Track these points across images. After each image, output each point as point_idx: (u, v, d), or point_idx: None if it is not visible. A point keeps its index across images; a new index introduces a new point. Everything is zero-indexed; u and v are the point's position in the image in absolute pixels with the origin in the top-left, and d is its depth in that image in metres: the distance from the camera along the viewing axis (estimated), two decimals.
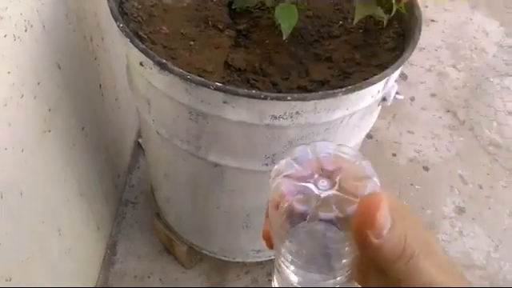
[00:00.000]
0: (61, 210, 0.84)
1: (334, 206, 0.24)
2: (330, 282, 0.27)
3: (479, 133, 1.57)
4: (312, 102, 0.60)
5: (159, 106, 0.71)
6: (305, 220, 0.24)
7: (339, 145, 0.26)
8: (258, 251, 1.02)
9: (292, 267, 0.26)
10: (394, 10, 0.70)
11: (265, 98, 0.58)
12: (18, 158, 0.66)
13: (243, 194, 0.82)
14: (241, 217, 0.88)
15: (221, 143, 0.70)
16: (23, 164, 0.67)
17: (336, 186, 0.24)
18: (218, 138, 0.69)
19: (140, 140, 1.33)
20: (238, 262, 1.11)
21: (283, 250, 0.26)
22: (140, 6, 0.75)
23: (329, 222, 0.24)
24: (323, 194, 0.24)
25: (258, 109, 0.61)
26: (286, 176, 0.25)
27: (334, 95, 0.59)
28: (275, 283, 0.30)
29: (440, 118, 1.61)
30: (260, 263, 1.15)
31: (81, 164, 0.91)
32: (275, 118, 0.62)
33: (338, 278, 0.27)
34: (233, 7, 0.79)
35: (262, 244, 0.97)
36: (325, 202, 0.24)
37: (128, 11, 0.73)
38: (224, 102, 0.61)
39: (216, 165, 0.74)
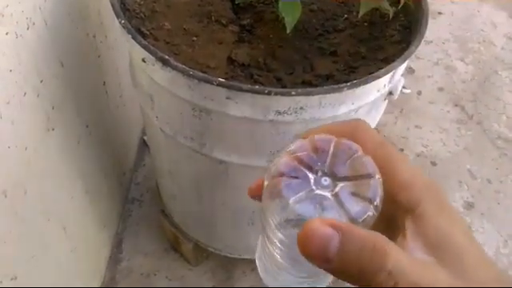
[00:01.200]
0: (66, 208, 0.84)
1: (317, 206, 0.23)
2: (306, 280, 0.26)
3: (488, 127, 1.54)
4: (317, 97, 0.59)
5: (162, 102, 0.71)
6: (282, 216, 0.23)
7: (364, 155, 0.24)
8: None
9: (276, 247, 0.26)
10: (402, 2, 0.69)
11: (269, 94, 0.57)
12: (22, 157, 0.65)
13: None
14: (246, 214, 0.88)
15: (225, 140, 0.69)
16: (27, 162, 0.67)
17: (335, 191, 0.23)
18: (222, 135, 0.69)
19: (145, 137, 1.33)
20: (244, 259, 1.11)
21: (271, 228, 0.25)
22: (142, 2, 0.74)
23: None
24: (317, 191, 0.23)
25: (262, 104, 0.60)
26: (292, 155, 0.24)
27: (339, 90, 0.58)
28: (258, 246, 0.29)
29: (448, 112, 1.59)
30: None
31: (85, 162, 0.91)
32: (279, 113, 0.61)
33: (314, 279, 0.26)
34: (236, 2, 0.78)
35: None
36: (314, 199, 0.23)
37: (130, 7, 0.73)
38: (227, 98, 0.60)
39: (220, 161, 0.73)
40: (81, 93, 0.85)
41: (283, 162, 0.24)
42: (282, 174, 0.24)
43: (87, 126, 0.89)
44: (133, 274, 1.13)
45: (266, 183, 0.25)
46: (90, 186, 0.94)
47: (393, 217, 0.24)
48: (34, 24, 0.66)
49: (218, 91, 0.59)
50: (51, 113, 0.73)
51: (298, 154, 0.24)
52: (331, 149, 0.24)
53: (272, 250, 0.26)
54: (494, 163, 1.44)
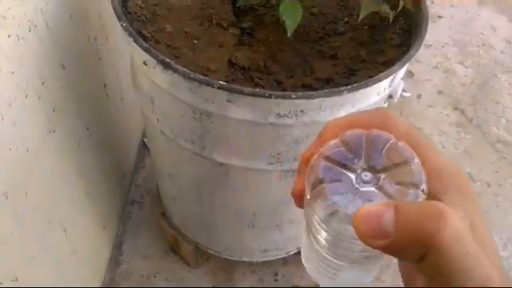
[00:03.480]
0: (66, 209, 0.84)
1: (367, 202, 0.22)
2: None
3: (487, 130, 1.55)
4: (317, 100, 0.59)
5: (163, 105, 0.71)
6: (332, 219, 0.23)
7: (397, 141, 0.24)
8: (265, 251, 1.01)
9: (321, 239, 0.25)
10: (401, 5, 0.69)
11: (269, 97, 0.58)
12: (23, 158, 0.66)
13: (248, 193, 0.81)
14: (246, 216, 0.88)
15: (225, 142, 0.70)
16: (28, 164, 0.67)
17: (379, 183, 0.23)
18: (223, 138, 0.69)
19: (145, 140, 1.33)
20: (244, 262, 1.11)
21: (315, 222, 0.25)
22: (143, 5, 0.75)
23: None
24: (362, 188, 0.23)
25: (263, 107, 0.60)
26: (327, 157, 0.24)
27: (339, 93, 0.58)
28: (303, 238, 0.28)
29: (447, 115, 1.59)
30: (266, 262, 1.15)
31: (86, 164, 0.91)
32: (280, 116, 0.61)
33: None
34: (237, 5, 0.79)
35: (268, 243, 0.97)
36: (362, 197, 0.22)
37: (131, 10, 0.73)
38: (228, 101, 0.60)
39: (221, 164, 0.73)
40: (82, 95, 0.85)
41: (321, 167, 0.24)
42: (322, 181, 0.23)
43: (88, 128, 0.89)
44: (133, 276, 1.13)
45: (307, 193, 0.24)
46: (90, 187, 0.94)
47: None
48: (35, 26, 0.66)
49: (218, 94, 0.60)
50: (52, 115, 0.73)
51: (333, 155, 0.24)
52: (363, 143, 0.24)
53: (321, 251, 0.26)
54: (493, 166, 1.45)
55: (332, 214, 0.23)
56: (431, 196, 0.23)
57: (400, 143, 0.24)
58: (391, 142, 0.24)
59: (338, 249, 0.25)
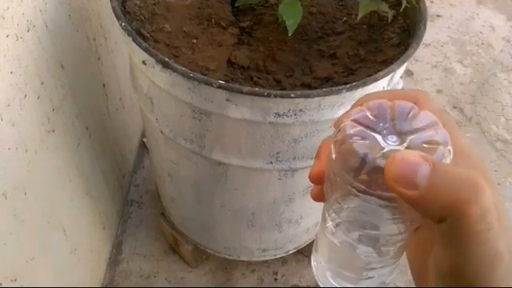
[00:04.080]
0: (66, 209, 0.84)
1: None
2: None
3: (486, 129, 1.55)
4: (316, 99, 0.59)
5: (162, 104, 0.71)
6: (361, 172, 0.22)
7: (419, 110, 0.24)
8: (264, 250, 1.01)
9: (336, 224, 0.25)
10: (403, 5, 0.69)
11: (268, 96, 0.58)
12: (22, 158, 0.66)
13: (247, 192, 0.81)
14: (245, 215, 0.88)
15: (224, 142, 0.70)
16: (27, 164, 0.67)
17: (405, 145, 0.22)
18: (222, 137, 0.69)
19: (145, 139, 1.33)
20: (243, 261, 1.11)
21: (333, 205, 0.25)
22: (142, 5, 0.75)
23: (386, 200, 0.22)
24: (388, 148, 0.22)
25: (262, 106, 0.60)
26: (354, 120, 0.24)
27: (338, 92, 0.58)
28: (320, 228, 0.28)
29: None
30: (266, 262, 1.15)
31: (85, 164, 0.91)
32: (279, 115, 0.61)
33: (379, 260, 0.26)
34: (236, 5, 0.79)
35: (268, 243, 0.97)
36: (387, 157, 0.22)
37: (130, 10, 0.73)
38: (227, 100, 0.60)
39: (220, 163, 0.73)
40: (81, 95, 0.85)
41: (348, 126, 0.24)
42: (350, 137, 0.23)
43: (87, 128, 0.89)
44: (132, 275, 1.13)
45: (333, 152, 0.24)
46: (89, 187, 0.94)
47: None
48: (34, 26, 0.66)
49: (217, 93, 0.60)
50: (51, 115, 0.73)
51: (359, 119, 0.24)
52: (388, 110, 0.24)
53: (344, 236, 0.26)
54: (492, 165, 1.45)
55: (359, 167, 0.23)
56: None
57: (424, 111, 0.24)
58: (415, 109, 0.24)
59: (361, 226, 0.25)
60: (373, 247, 0.25)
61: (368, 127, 0.23)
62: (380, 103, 0.24)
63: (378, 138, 0.23)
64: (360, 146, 0.22)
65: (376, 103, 0.24)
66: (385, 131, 0.23)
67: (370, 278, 0.27)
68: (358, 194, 0.23)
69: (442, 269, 0.23)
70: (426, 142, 0.22)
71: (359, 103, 0.26)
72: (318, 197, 0.27)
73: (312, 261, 0.30)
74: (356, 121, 0.24)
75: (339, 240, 0.26)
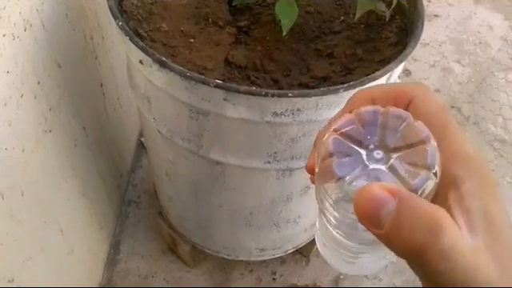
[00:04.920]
0: (63, 210, 0.84)
1: (374, 181, 0.21)
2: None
3: (484, 128, 1.55)
4: (313, 99, 0.59)
5: (160, 104, 0.71)
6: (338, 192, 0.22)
7: (415, 121, 0.23)
8: (262, 250, 1.01)
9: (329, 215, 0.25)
10: (395, 2, 0.69)
11: (265, 95, 0.58)
12: (19, 158, 0.65)
13: (245, 192, 0.81)
14: (243, 215, 0.88)
15: (222, 141, 0.69)
16: (24, 164, 0.67)
17: (390, 162, 0.22)
18: (219, 136, 0.69)
19: (142, 139, 1.33)
20: (241, 261, 1.11)
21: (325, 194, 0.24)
22: (139, 4, 0.74)
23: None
24: (372, 166, 0.22)
25: (259, 106, 0.60)
26: (339, 132, 0.23)
27: (335, 91, 0.58)
28: (317, 222, 0.28)
29: None
30: (264, 262, 1.15)
31: (82, 164, 0.90)
32: (276, 115, 0.61)
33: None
34: (233, 4, 0.79)
35: (266, 243, 0.97)
36: (370, 175, 0.22)
37: (127, 9, 0.73)
38: (224, 100, 0.60)
39: (217, 163, 0.73)
40: (78, 94, 0.85)
41: (331, 140, 0.23)
42: (332, 154, 0.22)
43: (84, 128, 0.89)
44: (130, 275, 1.13)
45: (317, 166, 0.24)
46: (87, 187, 0.93)
47: (439, 186, 0.23)
48: (31, 26, 0.66)
49: (215, 93, 0.59)
50: (48, 114, 0.73)
51: (346, 130, 0.23)
52: (379, 119, 0.23)
53: (333, 231, 0.25)
54: (490, 165, 1.45)
55: (338, 188, 0.22)
56: (450, 180, 0.23)
57: (417, 123, 0.23)
58: (408, 120, 0.23)
59: (346, 227, 0.24)
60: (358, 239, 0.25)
61: (354, 140, 0.23)
62: (372, 111, 0.24)
63: (363, 153, 0.22)
64: (339, 166, 0.22)
65: (368, 111, 0.24)
66: (371, 146, 0.23)
67: (364, 263, 0.27)
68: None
69: None
70: (410, 164, 0.22)
71: (355, 99, 0.26)
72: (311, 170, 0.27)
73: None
74: (342, 134, 0.23)
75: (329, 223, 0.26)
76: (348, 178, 0.22)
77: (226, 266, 1.15)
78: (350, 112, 0.24)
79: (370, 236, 0.22)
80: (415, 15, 0.72)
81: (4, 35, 0.59)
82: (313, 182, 0.27)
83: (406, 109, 0.25)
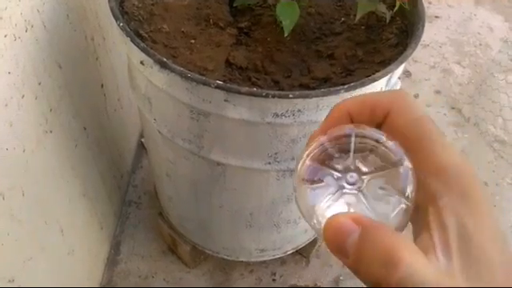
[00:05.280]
0: (63, 210, 0.84)
1: (346, 207, 0.22)
2: None
3: (484, 129, 1.55)
4: (314, 100, 0.59)
5: (160, 105, 0.71)
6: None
7: (390, 140, 0.23)
8: (262, 250, 1.01)
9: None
10: (397, 6, 0.70)
11: (266, 96, 0.58)
12: (20, 159, 0.65)
13: (246, 192, 0.81)
14: (244, 216, 0.88)
15: (223, 142, 0.70)
16: (24, 164, 0.67)
17: (363, 186, 0.22)
18: (220, 137, 0.69)
19: (143, 140, 1.33)
20: (241, 262, 1.11)
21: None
22: (140, 5, 0.75)
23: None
24: (345, 190, 0.22)
25: (260, 107, 0.60)
26: (313, 158, 0.23)
27: (336, 93, 0.59)
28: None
29: (444, 114, 1.60)
30: (264, 262, 1.15)
31: (83, 164, 0.90)
32: (277, 116, 0.61)
33: None
34: (234, 5, 0.79)
35: (266, 243, 0.97)
36: (342, 201, 0.22)
37: (128, 10, 0.73)
38: (225, 101, 0.60)
39: (218, 164, 0.73)
40: (79, 95, 0.85)
41: (305, 167, 0.23)
42: (305, 181, 0.23)
43: (85, 129, 0.89)
44: (130, 276, 1.13)
45: (294, 183, 0.24)
46: (87, 188, 0.94)
47: (421, 202, 0.22)
48: (32, 26, 0.66)
49: (215, 94, 0.60)
50: (49, 115, 0.73)
51: (319, 155, 0.24)
52: (353, 141, 0.23)
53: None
54: (490, 166, 1.45)
55: (313, 214, 0.23)
56: (430, 195, 0.22)
57: (391, 143, 0.23)
58: (382, 141, 0.23)
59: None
60: None
61: (327, 164, 0.23)
62: (344, 133, 0.24)
63: (336, 177, 0.23)
64: (312, 196, 0.23)
65: (340, 133, 0.24)
66: (345, 169, 0.23)
67: None
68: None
69: None
70: (383, 188, 0.22)
71: (331, 114, 0.26)
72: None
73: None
74: (315, 158, 0.23)
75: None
76: (321, 205, 0.22)
77: (226, 266, 1.15)
78: (326, 132, 0.25)
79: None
80: (416, 16, 0.72)
81: (5, 36, 0.59)
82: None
83: (384, 121, 0.25)
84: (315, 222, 0.23)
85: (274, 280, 1.15)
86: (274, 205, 0.84)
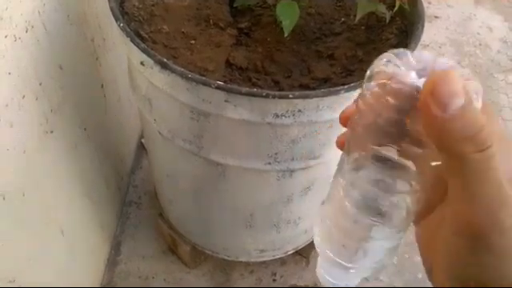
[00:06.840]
0: (64, 210, 0.84)
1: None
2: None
3: None
4: (314, 100, 0.59)
5: (160, 105, 0.71)
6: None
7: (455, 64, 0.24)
8: (262, 251, 1.02)
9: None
10: (397, 6, 0.70)
11: (266, 97, 0.58)
12: (20, 159, 0.66)
13: (246, 193, 0.81)
14: (244, 216, 0.88)
15: (223, 142, 0.70)
16: (25, 165, 0.67)
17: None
18: (220, 137, 0.69)
19: (143, 140, 1.33)
20: (241, 262, 1.11)
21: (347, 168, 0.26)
22: (141, 6, 0.75)
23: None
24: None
25: (260, 107, 0.60)
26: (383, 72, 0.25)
27: (336, 93, 0.59)
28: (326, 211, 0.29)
29: None
30: (264, 263, 1.15)
31: (83, 165, 0.91)
32: (277, 116, 0.61)
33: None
34: (234, 5, 0.79)
35: (266, 244, 0.97)
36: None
37: (129, 11, 0.73)
38: (225, 101, 0.60)
39: (218, 164, 0.73)
40: (79, 96, 0.85)
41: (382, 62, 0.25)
42: (390, 76, 0.24)
43: (85, 129, 0.89)
44: (131, 276, 1.13)
45: (358, 127, 0.25)
46: (87, 188, 0.94)
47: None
48: (32, 27, 0.66)
49: (216, 94, 0.60)
50: (50, 115, 0.73)
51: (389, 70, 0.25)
52: (412, 60, 0.25)
53: (347, 205, 0.26)
54: None
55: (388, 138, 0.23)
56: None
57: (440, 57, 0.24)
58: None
59: (364, 199, 0.25)
60: (377, 209, 0.26)
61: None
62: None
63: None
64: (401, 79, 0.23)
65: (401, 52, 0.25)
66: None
67: (365, 256, 0.27)
68: (374, 154, 0.24)
69: (453, 224, 0.22)
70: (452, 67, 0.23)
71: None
72: (343, 145, 0.28)
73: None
74: (385, 73, 0.25)
75: (347, 195, 0.26)
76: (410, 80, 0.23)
77: (226, 266, 1.15)
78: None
79: (384, 207, 0.24)
80: (415, 17, 0.72)
81: (6, 36, 0.59)
82: (340, 146, 0.28)
83: None
84: (381, 154, 0.24)
85: (274, 280, 1.15)
86: (273, 205, 0.84)
